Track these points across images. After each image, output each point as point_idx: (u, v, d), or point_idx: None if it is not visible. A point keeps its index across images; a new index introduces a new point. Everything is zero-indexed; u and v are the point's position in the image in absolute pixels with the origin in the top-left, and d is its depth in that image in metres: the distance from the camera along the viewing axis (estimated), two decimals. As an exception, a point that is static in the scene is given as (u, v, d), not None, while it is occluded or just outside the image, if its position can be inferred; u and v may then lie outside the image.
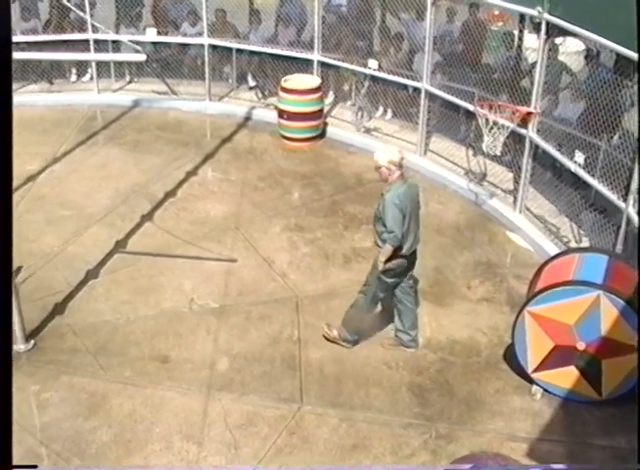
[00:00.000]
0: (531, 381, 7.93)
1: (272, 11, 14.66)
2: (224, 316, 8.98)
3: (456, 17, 13.04)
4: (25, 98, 14.68)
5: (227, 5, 14.49)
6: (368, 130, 13.16)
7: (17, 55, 10.38)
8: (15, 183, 10.98)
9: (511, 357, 8.16)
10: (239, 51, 14.43)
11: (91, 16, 13.90)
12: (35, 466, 5.76)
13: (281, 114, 12.97)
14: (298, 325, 8.84)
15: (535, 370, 7.85)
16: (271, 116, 13.52)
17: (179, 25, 14.81)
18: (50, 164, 12.29)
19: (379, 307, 8.59)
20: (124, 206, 11.07)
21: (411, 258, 8.13)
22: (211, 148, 12.85)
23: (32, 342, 8.57)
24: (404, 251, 7.91)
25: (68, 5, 10.53)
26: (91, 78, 15.12)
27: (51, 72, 15.29)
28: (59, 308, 9.11)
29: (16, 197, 10.99)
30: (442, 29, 12.58)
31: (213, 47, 14.23)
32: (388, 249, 7.74)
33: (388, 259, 7.84)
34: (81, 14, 13.11)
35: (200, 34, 14.27)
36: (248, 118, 13.99)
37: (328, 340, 8.57)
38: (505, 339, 8.44)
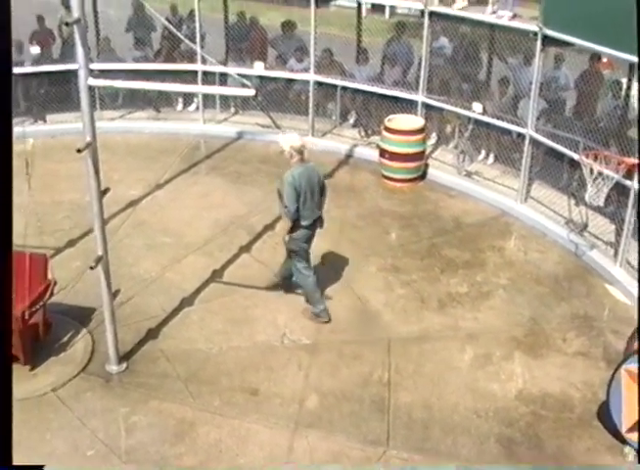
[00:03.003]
0: (624, 441, 7.70)
1: (379, 50, 14.72)
2: (316, 353, 8.99)
3: (563, 63, 12.90)
4: (132, 124, 15.10)
5: (335, 43, 14.66)
6: (469, 174, 13.07)
7: (128, 84, 10.66)
8: (117, 207, 11.32)
9: (604, 415, 7.94)
10: (344, 88, 14.53)
11: (201, 47, 14.18)
12: (41, 467, 5.83)
13: (383, 153, 13.01)
14: (389, 367, 8.78)
15: (629, 430, 7.62)
16: (373, 154, 13.56)
17: (286, 61, 15.03)
18: (153, 190, 12.56)
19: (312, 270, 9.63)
20: (223, 236, 11.21)
21: (311, 229, 9.32)
22: (312, 183, 12.91)
23: (125, 364, 8.73)
24: (304, 222, 9.13)
25: (180, 36, 10.76)
26: (197, 108, 15.45)
27: (158, 101, 15.66)
28: (153, 333, 9.25)
29: (117, 221, 11.27)
30: (549, 75, 12.45)
31: (319, 83, 14.37)
32: (285, 222, 9.15)
33: (292, 231, 9.12)
34: (192, 45, 13.37)
35: (306, 70, 14.43)
36: (349, 156, 14.07)
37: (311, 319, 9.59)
38: (599, 395, 8.23)
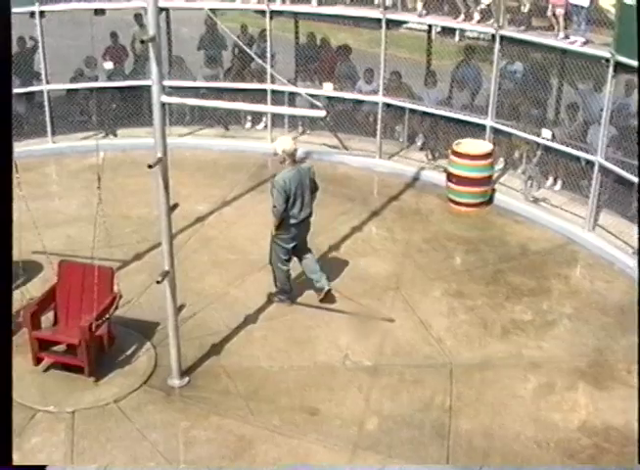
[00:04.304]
0: (689, 477, 7.55)
1: (447, 73, 14.70)
2: (377, 375, 8.95)
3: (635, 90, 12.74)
4: (201, 141, 15.28)
5: (403, 65, 14.68)
6: (536, 200, 12.93)
7: (199, 102, 10.80)
8: (184, 223, 11.41)
9: (670, 451, 7.78)
10: (412, 111, 14.51)
11: (271, 66, 14.29)
12: (44, 466, 5.85)
13: (450, 177, 12.96)
14: (451, 393, 8.70)
15: (695, 467, 7.46)
16: (439, 178, 13.54)
17: (355, 82, 15.08)
18: (220, 207, 12.67)
19: (289, 265, 10.19)
20: (288, 255, 11.29)
21: (300, 227, 9.94)
22: (378, 205, 12.96)
23: (187, 379, 8.81)
24: (291, 221, 9.80)
25: (252, 55, 10.86)
26: (265, 127, 15.57)
27: (227, 118, 15.81)
28: (215, 349, 9.32)
29: (184, 236, 11.38)
30: (619, 102, 12.29)
31: (387, 105, 14.39)
32: (273, 219, 9.78)
33: (279, 227, 9.80)
34: (263, 63, 13.47)
35: (375, 92, 14.46)
36: (416, 179, 14.03)
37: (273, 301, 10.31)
38: (666, 431, 8.08)
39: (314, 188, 10.09)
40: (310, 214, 10.07)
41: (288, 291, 10.27)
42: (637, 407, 7.42)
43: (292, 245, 10.01)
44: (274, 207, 9.67)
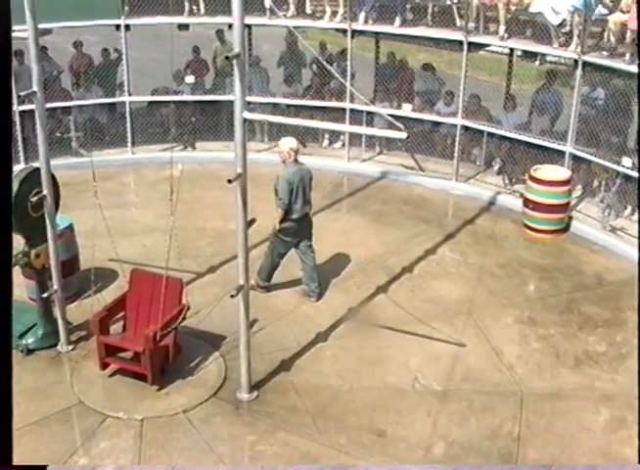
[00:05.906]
0: None
1: (527, 97, 14.59)
2: (446, 400, 8.87)
3: None
4: (277, 157, 15.27)
5: (483, 88, 14.61)
6: (614, 229, 12.71)
7: (280, 119, 10.94)
8: (258, 238, 11.44)
9: None
10: (490, 134, 14.42)
11: (350, 85, 14.32)
12: (45, 466, 5.83)
13: (527, 203, 12.81)
14: (520, 422, 8.57)
15: None
16: (515, 203, 13.43)
17: (434, 103, 15.06)
18: (294, 223, 12.70)
19: (282, 260, 10.78)
20: (361, 274, 11.26)
21: (301, 222, 10.52)
22: (452, 228, 12.88)
23: (256, 393, 8.83)
24: (293, 215, 10.39)
25: (334, 73, 10.91)
26: (342, 146, 15.61)
27: (305, 136, 15.86)
28: (285, 365, 9.34)
29: (257, 251, 11.40)
30: None
31: (465, 128, 14.33)
32: (279, 212, 10.33)
33: (282, 222, 10.35)
34: (344, 82, 13.47)
35: (453, 114, 14.41)
36: (491, 203, 13.93)
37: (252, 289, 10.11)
38: None
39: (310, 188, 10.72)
40: (310, 211, 10.68)
41: (267, 283, 10.87)
42: (637, 407, 7.23)
43: (292, 240, 10.54)
44: (280, 199, 10.24)
